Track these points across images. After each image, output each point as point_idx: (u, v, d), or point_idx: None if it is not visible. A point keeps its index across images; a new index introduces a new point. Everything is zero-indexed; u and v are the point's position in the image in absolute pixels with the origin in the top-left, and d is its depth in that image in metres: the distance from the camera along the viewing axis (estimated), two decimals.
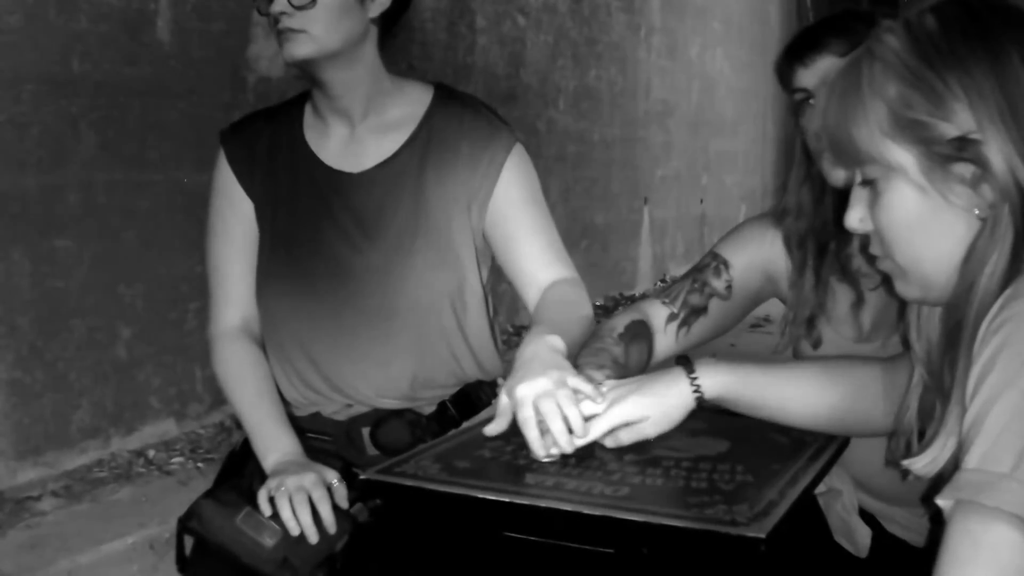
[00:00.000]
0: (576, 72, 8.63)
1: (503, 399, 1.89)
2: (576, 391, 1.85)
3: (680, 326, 2.34)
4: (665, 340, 2.34)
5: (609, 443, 1.84)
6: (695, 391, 1.88)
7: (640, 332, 2.28)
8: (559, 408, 1.80)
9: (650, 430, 1.85)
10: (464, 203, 2.38)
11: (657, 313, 2.35)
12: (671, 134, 10.68)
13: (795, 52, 2.28)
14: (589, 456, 1.80)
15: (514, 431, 1.87)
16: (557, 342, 2.00)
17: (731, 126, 12.55)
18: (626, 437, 1.84)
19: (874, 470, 2.05)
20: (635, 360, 2.22)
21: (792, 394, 1.91)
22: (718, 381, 1.89)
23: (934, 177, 1.41)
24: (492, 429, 1.89)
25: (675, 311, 2.34)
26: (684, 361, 1.94)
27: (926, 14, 1.46)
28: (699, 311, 2.35)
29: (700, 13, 11.40)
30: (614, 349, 2.18)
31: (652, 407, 1.85)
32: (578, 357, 2.10)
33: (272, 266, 2.43)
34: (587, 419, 1.82)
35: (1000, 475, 1.22)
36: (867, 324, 2.29)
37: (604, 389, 1.89)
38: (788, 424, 1.93)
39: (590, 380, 1.91)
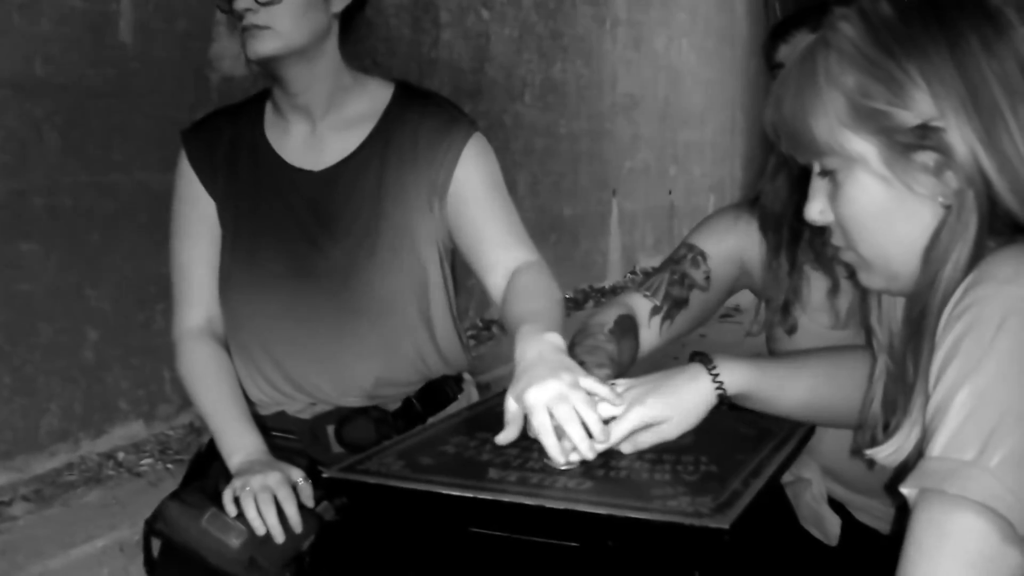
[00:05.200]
0: (542, 65, 8.61)
1: (511, 406, 1.79)
2: (591, 393, 1.76)
3: (664, 319, 2.29)
4: (649, 334, 2.28)
5: (627, 448, 1.76)
6: (717, 388, 1.82)
7: (628, 327, 2.23)
8: (576, 412, 1.71)
9: (671, 431, 1.78)
10: (425, 197, 2.36)
11: (640, 306, 2.29)
12: (638, 126, 10.67)
13: (778, 29, 2.33)
14: None
15: (479, 428, 1.87)
16: (558, 340, 1.91)
17: (699, 117, 12.53)
18: (645, 440, 1.77)
19: (842, 459, 2.04)
20: (626, 356, 2.15)
21: (807, 388, 1.87)
22: (740, 376, 1.84)
23: (896, 167, 1.39)
24: (503, 438, 1.79)
25: (658, 304, 2.29)
26: (701, 357, 1.88)
27: (881, 1, 1.44)
28: (681, 303, 2.30)
29: (665, 4, 11.39)
30: (608, 346, 2.10)
31: (673, 407, 1.78)
32: (573, 355, 1.97)
33: (234, 266, 2.42)
34: (605, 422, 1.73)
35: (964, 463, 1.21)
36: (843, 311, 2.27)
37: (620, 390, 1.81)
38: (802, 419, 1.90)
39: (601, 380, 1.82)
